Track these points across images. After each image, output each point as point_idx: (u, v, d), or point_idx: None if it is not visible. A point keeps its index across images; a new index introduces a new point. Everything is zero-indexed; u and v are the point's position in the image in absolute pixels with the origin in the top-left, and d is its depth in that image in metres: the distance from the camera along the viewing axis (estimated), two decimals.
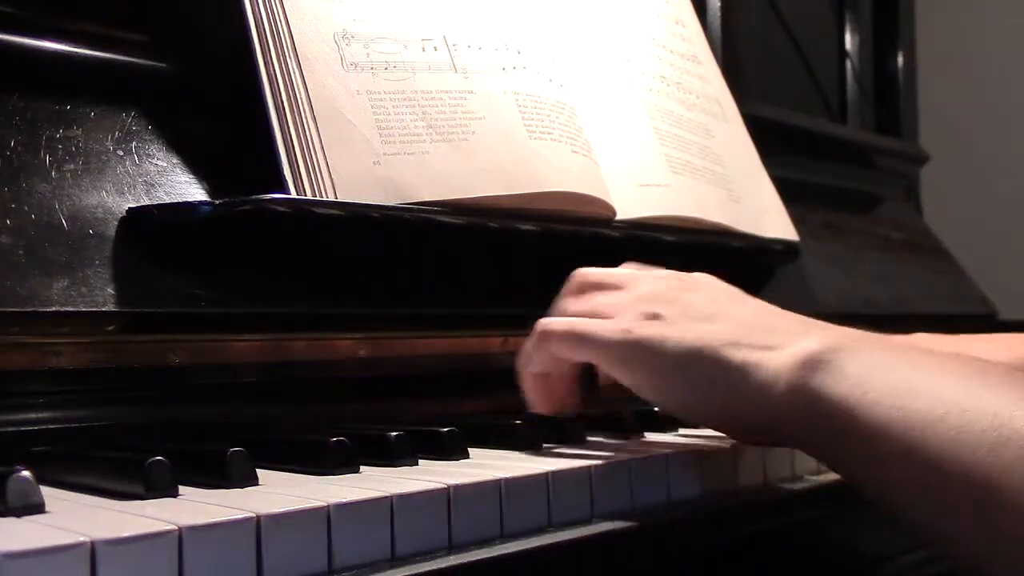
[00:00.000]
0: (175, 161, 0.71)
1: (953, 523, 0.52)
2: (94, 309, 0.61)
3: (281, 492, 0.49)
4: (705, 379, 0.60)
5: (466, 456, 0.60)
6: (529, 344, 0.66)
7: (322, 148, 0.69)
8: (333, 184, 0.69)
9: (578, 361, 0.66)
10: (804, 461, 0.69)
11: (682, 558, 0.59)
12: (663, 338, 0.61)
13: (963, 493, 0.50)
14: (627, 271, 0.69)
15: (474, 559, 0.48)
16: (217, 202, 0.67)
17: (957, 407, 0.52)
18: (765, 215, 1.04)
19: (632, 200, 0.88)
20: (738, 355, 0.59)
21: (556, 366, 0.66)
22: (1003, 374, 0.55)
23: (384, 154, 0.72)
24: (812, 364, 0.57)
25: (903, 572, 0.77)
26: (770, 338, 0.60)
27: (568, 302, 0.67)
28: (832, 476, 0.67)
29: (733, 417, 0.61)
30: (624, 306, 0.64)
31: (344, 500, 0.46)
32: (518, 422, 0.65)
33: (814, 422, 0.57)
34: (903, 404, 0.53)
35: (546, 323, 0.65)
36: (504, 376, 0.69)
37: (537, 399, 0.67)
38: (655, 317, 0.62)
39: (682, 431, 0.73)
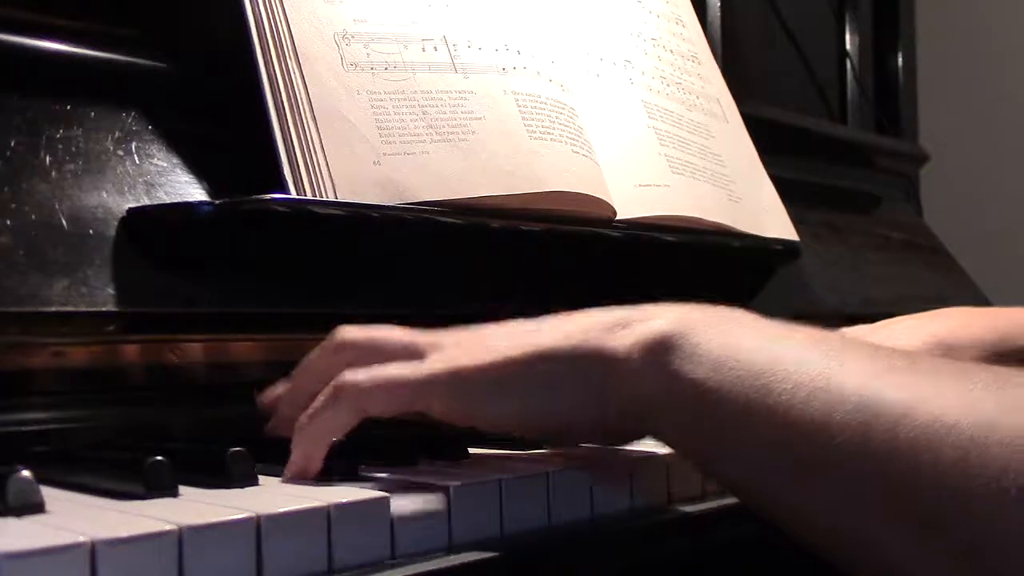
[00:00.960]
0: (175, 161, 0.71)
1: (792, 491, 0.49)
2: (94, 309, 0.62)
3: (281, 492, 0.49)
4: (546, 385, 0.54)
5: (466, 456, 0.60)
6: (318, 404, 0.55)
7: (322, 148, 0.69)
8: (333, 184, 0.69)
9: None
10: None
11: None
12: (489, 361, 0.55)
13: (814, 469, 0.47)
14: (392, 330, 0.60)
15: (474, 559, 0.48)
16: (217, 202, 0.67)
17: (815, 384, 0.48)
18: (765, 215, 1.04)
19: (632, 200, 0.88)
20: (583, 347, 0.54)
21: (354, 422, 0.56)
22: (879, 354, 0.50)
23: (384, 154, 0.72)
24: (663, 344, 0.52)
25: None
26: (613, 325, 0.55)
27: (339, 358, 0.58)
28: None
29: (581, 418, 0.55)
30: (422, 347, 0.57)
31: (344, 500, 0.46)
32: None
33: (671, 406, 0.52)
34: (761, 381, 0.49)
35: (343, 379, 0.55)
36: None
37: (309, 456, 0.55)
38: (473, 346, 0.56)
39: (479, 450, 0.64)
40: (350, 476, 0.54)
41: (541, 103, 0.82)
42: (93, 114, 0.69)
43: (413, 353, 0.57)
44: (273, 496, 0.48)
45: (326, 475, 0.54)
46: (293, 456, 0.54)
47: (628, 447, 0.61)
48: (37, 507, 0.44)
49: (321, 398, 0.55)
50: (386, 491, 0.48)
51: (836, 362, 0.49)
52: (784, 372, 0.49)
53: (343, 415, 0.55)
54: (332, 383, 0.56)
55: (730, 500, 0.60)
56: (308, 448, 0.54)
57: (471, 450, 0.61)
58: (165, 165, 0.70)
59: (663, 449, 0.59)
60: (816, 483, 0.48)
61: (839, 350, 0.50)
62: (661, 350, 0.52)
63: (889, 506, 0.46)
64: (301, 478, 0.54)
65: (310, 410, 0.55)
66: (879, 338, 0.82)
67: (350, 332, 0.60)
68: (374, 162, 0.71)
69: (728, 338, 0.52)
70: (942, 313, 0.86)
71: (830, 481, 0.48)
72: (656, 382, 0.52)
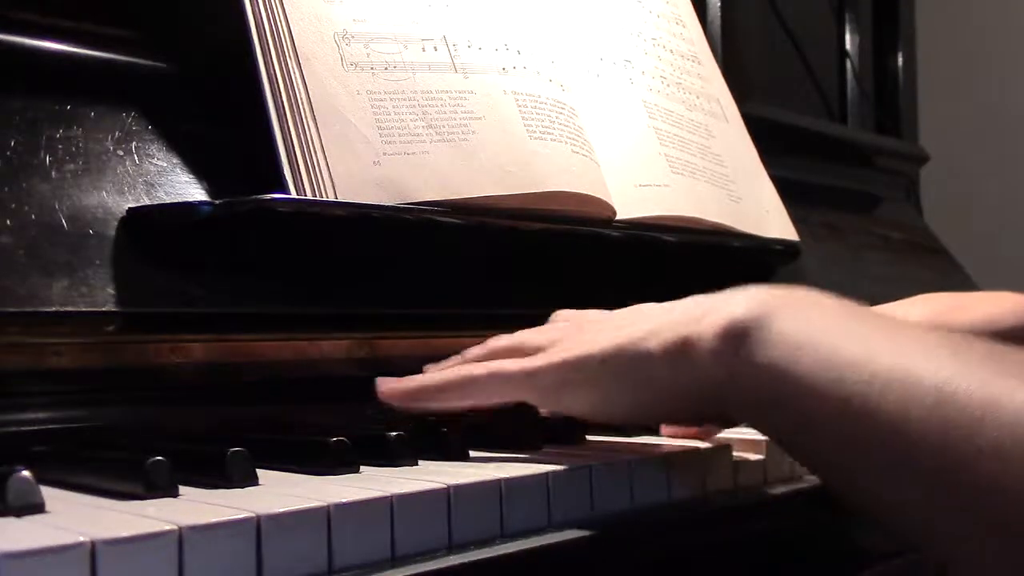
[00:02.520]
0: (175, 161, 0.71)
1: (880, 484, 0.49)
2: (94, 309, 0.61)
3: (281, 492, 0.49)
4: (635, 374, 0.58)
5: (467, 457, 0.60)
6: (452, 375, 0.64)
7: (322, 148, 0.69)
8: (333, 184, 0.69)
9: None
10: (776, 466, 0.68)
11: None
12: (585, 354, 0.59)
13: (896, 457, 0.47)
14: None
15: (474, 559, 0.48)
16: (217, 202, 0.67)
17: (891, 374, 0.48)
18: (765, 215, 1.04)
19: (632, 200, 0.88)
20: (662, 338, 0.56)
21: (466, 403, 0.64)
22: (956, 342, 0.50)
23: (384, 154, 0.72)
24: (738, 331, 0.53)
25: None
26: (692, 313, 0.56)
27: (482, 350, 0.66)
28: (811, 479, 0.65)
29: (668, 403, 0.58)
30: (542, 344, 0.63)
31: (344, 500, 0.46)
32: (517, 423, 0.65)
33: (744, 391, 0.53)
34: (835, 371, 0.49)
35: (466, 368, 0.64)
36: None
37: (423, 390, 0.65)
38: (574, 342, 0.61)
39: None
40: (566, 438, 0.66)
41: (541, 103, 0.82)
42: (93, 114, 0.69)
43: (534, 351, 0.62)
44: (273, 496, 0.48)
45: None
46: (417, 380, 0.64)
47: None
48: (37, 507, 0.44)
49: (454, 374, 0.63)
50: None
51: (914, 351, 0.48)
52: (860, 361, 0.49)
53: (455, 394, 0.63)
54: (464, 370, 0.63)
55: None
56: (431, 386, 0.63)
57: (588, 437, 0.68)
58: (165, 165, 0.70)
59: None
60: (895, 479, 0.48)
61: (917, 339, 0.50)
62: (736, 336, 0.53)
63: (972, 508, 0.45)
64: (402, 395, 0.64)
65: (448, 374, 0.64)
66: None
67: (499, 339, 0.66)
68: (374, 162, 0.71)
69: (805, 324, 0.52)
70: (930, 298, 0.85)
71: (909, 478, 0.47)
72: (730, 367, 0.53)
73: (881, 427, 0.47)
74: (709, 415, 0.60)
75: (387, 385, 0.65)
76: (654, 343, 0.57)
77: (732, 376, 0.53)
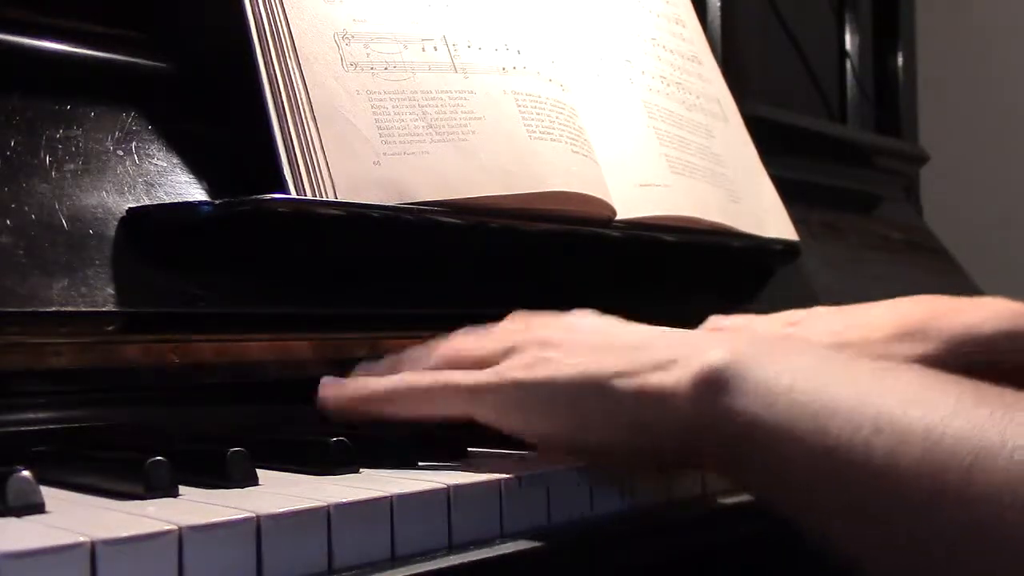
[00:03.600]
0: (175, 161, 0.71)
1: (862, 533, 0.47)
2: (94, 309, 0.61)
3: (281, 492, 0.49)
4: (601, 411, 0.55)
5: (465, 457, 0.60)
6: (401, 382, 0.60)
7: (322, 148, 0.69)
8: (333, 184, 0.69)
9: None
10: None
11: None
12: (547, 378, 0.56)
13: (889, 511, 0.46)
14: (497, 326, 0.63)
15: (474, 559, 0.48)
16: (217, 202, 0.67)
17: (876, 422, 0.46)
18: (765, 215, 1.04)
19: (632, 200, 0.88)
20: (636, 381, 0.54)
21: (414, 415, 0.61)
22: (941, 382, 0.48)
23: (384, 154, 0.72)
24: (715, 380, 0.51)
25: None
26: (666, 355, 0.54)
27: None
28: None
29: (634, 444, 0.55)
30: (495, 352, 0.59)
31: (344, 500, 0.46)
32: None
33: (720, 441, 0.52)
34: (819, 419, 0.48)
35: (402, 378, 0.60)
36: None
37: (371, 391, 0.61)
38: (532, 358, 0.57)
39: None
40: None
41: (541, 103, 0.82)
42: (93, 114, 0.69)
43: (484, 360, 0.59)
44: (273, 496, 0.48)
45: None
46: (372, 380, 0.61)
47: None
48: (37, 507, 0.44)
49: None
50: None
51: (897, 398, 0.47)
52: (843, 411, 0.47)
53: (400, 405, 0.60)
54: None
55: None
56: (377, 389, 0.60)
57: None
58: (165, 165, 0.70)
59: None
60: (882, 530, 0.47)
61: (902, 383, 0.48)
62: (713, 384, 0.51)
63: (960, 553, 0.44)
64: (347, 401, 0.61)
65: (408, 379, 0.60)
66: (851, 320, 0.82)
67: (446, 342, 0.63)
68: (374, 162, 0.71)
69: (782, 373, 0.50)
70: (918, 300, 0.85)
71: (897, 530, 0.46)
72: (706, 417, 0.51)
73: (868, 474, 0.46)
74: (674, 462, 0.58)
75: (330, 390, 0.62)
76: (626, 384, 0.54)
77: (709, 425, 0.52)
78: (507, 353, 0.59)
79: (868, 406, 0.47)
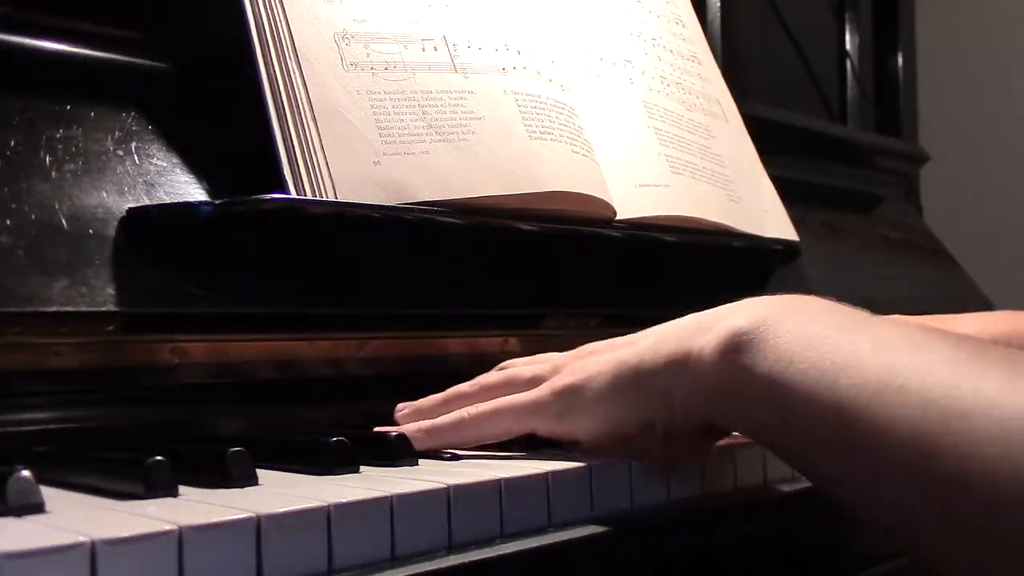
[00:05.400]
0: (175, 161, 0.71)
1: (879, 490, 0.48)
2: (94, 309, 0.61)
3: (281, 492, 0.49)
4: (637, 388, 0.59)
5: (466, 456, 0.60)
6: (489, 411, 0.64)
7: (322, 148, 0.69)
8: (333, 184, 0.69)
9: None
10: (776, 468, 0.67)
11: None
12: (589, 375, 0.60)
13: (894, 463, 0.47)
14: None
15: (474, 559, 0.48)
16: (217, 202, 0.67)
17: (879, 379, 0.48)
18: (765, 215, 1.04)
19: (632, 200, 0.88)
20: (664, 351, 0.58)
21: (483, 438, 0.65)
22: (950, 342, 0.49)
23: (384, 154, 0.72)
24: (739, 342, 0.54)
25: None
26: (693, 327, 0.58)
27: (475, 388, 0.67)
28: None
29: (667, 416, 0.58)
30: (544, 371, 0.64)
31: (344, 500, 0.46)
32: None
33: (744, 399, 0.54)
34: (828, 377, 0.49)
35: (468, 410, 0.64)
36: None
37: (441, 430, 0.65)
38: (576, 367, 0.62)
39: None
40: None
41: (541, 103, 0.82)
42: (93, 114, 0.69)
43: (531, 382, 0.63)
44: (273, 496, 0.48)
45: None
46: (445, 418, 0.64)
47: None
48: (37, 507, 0.44)
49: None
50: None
51: (906, 358, 0.48)
52: (851, 365, 0.49)
53: (469, 432, 0.63)
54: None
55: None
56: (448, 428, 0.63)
57: None
58: (165, 165, 0.70)
59: None
60: (881, 483, 0.48)
61: (913, 344, 0.49)
62: (735, 346, 0.54)
63: (956, 515, 0.45)
64: (419, 433, 0.63)
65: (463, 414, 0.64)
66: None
67: (491, 375, 0.67)
68: (374, 162, 0.71)
69: (803, 331, 0.52)
70: (1003, 314, 0.88)
71: (895, 482, 0.47)
72: (727, 375, 0.54)
73: (869, 432, 0.47)
74: (702, 427, 0.59)
75: (406, 426, 0.65)
76: (656, 356, 0.58)
77: (732, 385, 0.54)
78: (555, 371, 0.63)
79: (873, 361, 0.49)
